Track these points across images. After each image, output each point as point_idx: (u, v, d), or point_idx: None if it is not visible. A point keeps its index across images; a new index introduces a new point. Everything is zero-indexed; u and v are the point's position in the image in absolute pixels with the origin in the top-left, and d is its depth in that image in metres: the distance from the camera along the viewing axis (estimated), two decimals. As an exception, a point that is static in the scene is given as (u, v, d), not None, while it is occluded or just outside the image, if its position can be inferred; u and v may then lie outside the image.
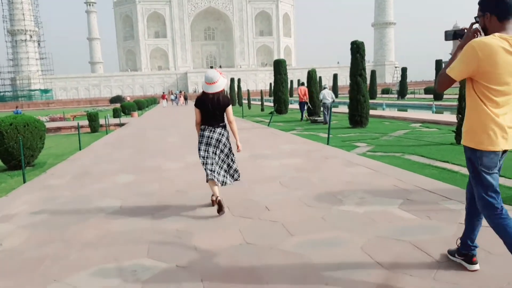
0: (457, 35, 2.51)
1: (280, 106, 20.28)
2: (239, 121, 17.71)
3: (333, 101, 14.61)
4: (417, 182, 5.01)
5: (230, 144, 4.44)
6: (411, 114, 17.34)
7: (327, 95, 14.64)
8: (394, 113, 18.44)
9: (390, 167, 6.07)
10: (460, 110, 8.09)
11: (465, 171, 5.90)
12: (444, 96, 29.36)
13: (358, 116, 12.47)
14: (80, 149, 11.13)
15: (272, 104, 34.29)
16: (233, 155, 4.48)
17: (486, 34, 2.34)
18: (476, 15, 2.40)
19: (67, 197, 5.46)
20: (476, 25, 2.41)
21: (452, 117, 13.91)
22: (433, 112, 18.79)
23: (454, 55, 2.41)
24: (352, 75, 12.61)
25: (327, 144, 9.09)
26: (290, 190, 5.04)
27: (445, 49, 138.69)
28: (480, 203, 2.42)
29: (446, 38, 2.59)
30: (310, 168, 6.37)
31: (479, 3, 2.38)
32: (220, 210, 4.15)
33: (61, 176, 7.11)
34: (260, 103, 37.80)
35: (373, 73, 39.21)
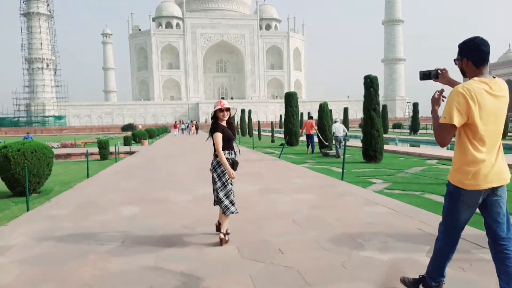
0: (432, 75, 2.68)
1: (291, 138, 20.06)
2: (249, 152, 17.48)
3: (346, 134, 14.56)
4: (442, 225, 4.62)
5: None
6: (426, 150, 16.94)
7: (339, 128, 14.58)
8: (409, 148, 18.07)
9: (412, 207, 5.69)
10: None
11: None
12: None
13: (372, 151, 12.15)
14: (87, 177, 10.93)
15: (282, 136, 34.20)
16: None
17: (464, 77, 2.58)
18: (455, 57, 2.59)
19: (68, 229, 5.17)
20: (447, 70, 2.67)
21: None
22: (447, 149, 18.37)
23: (432, 111, 2.59)
24: (365, 109, 12.40)
25: (342, 179, 8.74)
26: (304, 230, 4.69)
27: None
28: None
29: (421, 78, 2.75)
30: (324, 205, 6.02)
31: (459, 47, 2.57)
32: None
33: (65, 205, 6.85)
34: (270, 134, 37.78)
35: (384, 107, 39.11)
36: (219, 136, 4.29)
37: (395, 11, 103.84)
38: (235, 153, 4.48)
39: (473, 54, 2.49)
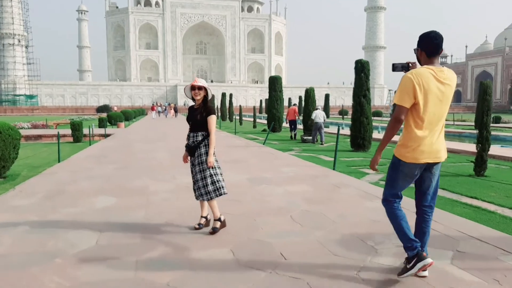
0: (404, 68, 3.02)
1: (275, 124, 19.52)
2: (232, 138, 16.86)
3: (324, 120, 15.00)
4: (458, 226, 4.19)
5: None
6: None
7: (319, 115, 14.76)
8: (395, 137, 17.76)
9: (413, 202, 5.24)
10: (481, 139, 7.39)
11: (501, 211, 5.13)
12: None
13: (360, 139, 11.74)
14: (58, 161, 10.09)
15: (264, 121, 33.63)
16: None
17: (419, 64, 2.95)
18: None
19: (33, 224, 4.47)
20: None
21: (463, 145, 13.30)
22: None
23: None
24: (355, 96, 11.93)
25: (334, 169, 8.27)
26: (306, 229, 4.16)
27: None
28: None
29: (394, 70, 3.07)
30: (321, 198, 5.52)
31: (418, 38, 2.92)
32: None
33: (31, 194, 6.11)
34: (252, 119, 37.15)
35: (366, 95, 38.94)
36: (213, 119, 4.12)
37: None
38: (194, 137, 4.19)
39: (427, 46, 2.85)
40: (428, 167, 2.92)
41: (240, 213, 4.84)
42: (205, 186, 4.09)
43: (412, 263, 2.87)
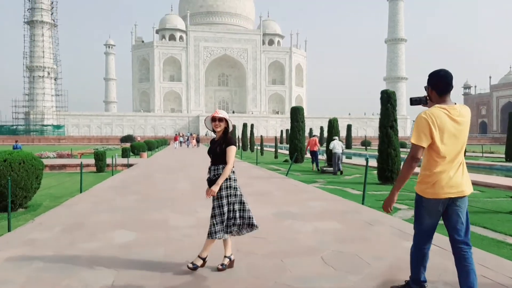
0: (422, 101, 3.08)
1: (297, 155, 19.19)
2: (254, 169, 16.59)
3: (343, 150, 15.08)
4: (510, 272, 3.72)
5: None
6: None
7: (337, 145, 14.97)
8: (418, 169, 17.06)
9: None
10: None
11: (558, 254, 4.60)
12: (466, 154, 28.06)
13: (388, 171, 11.27)
14: (80, 192, 10.02)
15: (285, 152, 33.32)
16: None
17: (431, 101, 2.99)
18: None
19: (48, 260, 4.25)
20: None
21: (497, 179, 12.57)
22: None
23: None
24: (382, 127, 11.56)
25: (362, 203, 7.83)
26: (339, 273, 3.77)
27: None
28: None
29: (412, 104, 3.12)
30: (354, 237, 5.11)
31: (428, 77, 2.97)
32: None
33: (50, 227, 5.93)
34: (273, 150, 36.93)
35: (389, 125, 38.30)
36: (232, 150, 3.95)
37: (398, 30, 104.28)
38: (215, 170, 4.00)
39: (437, 85, 2.91)
40: (453, 202, 2.96)
41: (266, 252, 4.49)
42: (250, 218, 4.09)
43: None
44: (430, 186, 2.90)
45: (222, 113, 3.98)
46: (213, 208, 3.95)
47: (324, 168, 15.62)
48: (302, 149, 20.09)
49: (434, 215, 2.98)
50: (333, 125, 15.77)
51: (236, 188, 4.00)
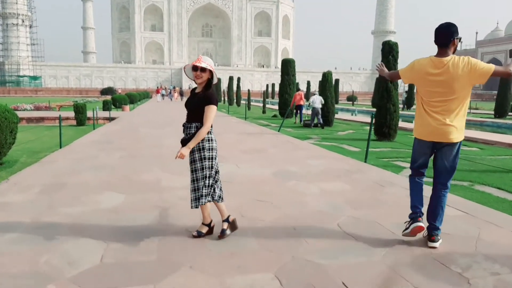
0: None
1: (289, 110, 18.54)
2: (244, 124, 15.98)
3: (322, 105, 15.32)
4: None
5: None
6: None
7: (317, 100, 15.13)
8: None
9: (484, 208, 4.38)
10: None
11: None
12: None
13: (386, 127, 10.83)
14: (60, 147, 9.30)
15: (272, 107, 32.64)
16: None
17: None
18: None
19: (24, 230, 3.67)
20: None
21: (494, 136, 12.25)
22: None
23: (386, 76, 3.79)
24: (381, 81, 10.97)
25: (365, 161, 7.40)
26: (363, 245, 3.31)
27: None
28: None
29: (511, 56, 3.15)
30: (367, 201, 4.66)
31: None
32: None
33: (26, 187, 5.30)
34: (260, 105, 36.18)
35: (377, 80, 37.86)
36: (212, 110, 3.31)
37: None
38: (188, 128, 3.39)
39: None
40: (439, 147, 3.20)
41: (273, 218, 4.00)
42: (194, 191, 3.40)
43: (408, 223, 3.36)
44: (418, 127, 3.28)
45: (205, 61, 3.28)
46: (191, 172, 3.43)
47: (307, 122, 15.87)
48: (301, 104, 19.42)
49: (422, 155, 3.33)
50: (327, 79, 15.06)
51: (212, 149, 3.39)
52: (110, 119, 18.11)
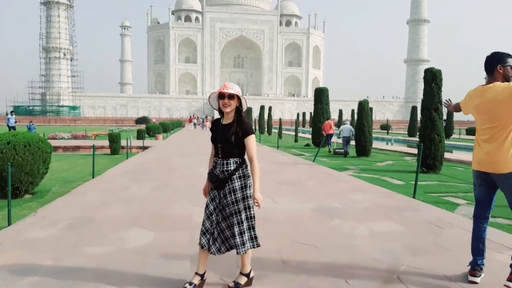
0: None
1: (325, 139, 18.01)
2: (276, 153, 15.55)
3: (352, 134, 15.57)
4: None
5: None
6: None
7: (345, 129, 15.62)
8: (461, 155, 15.60)
9: None
10: None
11: None
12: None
13: (431, 159, 10.10)
14: (92, 177, 9.18)
15: (304, 136, 32.16)
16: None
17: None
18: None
19: (45, 272, 3.33)
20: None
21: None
22: None
23: (452, 110, 3.81)
24: (425, 109, 10.34)
25: (413, 197, 6.74)
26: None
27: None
28: None
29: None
30: (427, 246, 4.04)
31: None
32: None
33: (53, 222, 5.04)
34: (291, 133, 35.79)
35: (414, 108, 36.92)
36: (253, 140, 2.98)
37: (421, 10, 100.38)
38: (224, 165, 2.96)
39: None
40: (496, 179, 3.07)
41: (320, 266, 3.48)
42: (240, 235, 2.90)
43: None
44: (473, 157, 3.23)
45: (233, 88, 2.93)
46: (228, 216, 2.99)
47: (337, 150, 16.25)
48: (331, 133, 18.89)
49: (477, 187, 3.23)
50: (363, 107, 14.52)
51: (251, 187, 3.00)
52: (144, 148, 18.19)
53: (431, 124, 10.17)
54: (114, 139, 16.45)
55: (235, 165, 2.93)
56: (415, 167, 11.42)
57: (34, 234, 4.53)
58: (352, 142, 16.65)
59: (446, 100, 3.87)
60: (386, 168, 11.69)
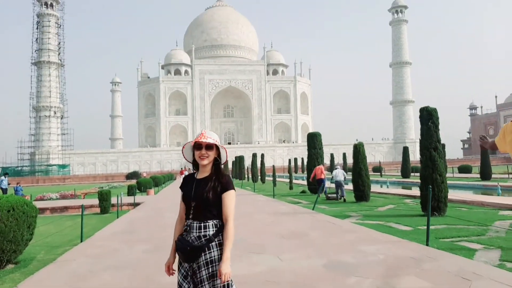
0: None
1: (323, 186, 17.62)
2: (273, 202, 15.02)
3: (345, 178, 15.58)
4: None
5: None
6: (485, 198, 14.18)
7: (338, 173, 15.46)
8: (467, 196, 15.20)
9: None
10: None
11: None
12: (492, 176, 26.31)
13: (435, 201, 9.71)
14: (81, 241, 8.56)
15: (298, 182, 31.72)
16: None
17: None
18: None
19: None
20: None
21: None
22: (499, 195, 15.85)
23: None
24: (424, 149, 10.11)
25: (427, 244, 6.28)
26: None
27: (466, 129, 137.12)
28: None
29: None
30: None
31: None
32: None
33: (34, 298, 4.45)
34: (285, 180, 35.33)
35: (406, 149, 37.02)
36: (233, 197, 2.48)
37: (403, 53, 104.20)
38: (201, 228, 2.40)
39: None
40: None
41: None
42: None
43: None
44: None
45: (211, 136, 2.53)
46: None
47: (329, 195, 16.24)
48: (321, 178, 18.53)
49: None
50: (358, 150, 14.31)
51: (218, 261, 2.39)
52: (135, 204, 17.52)
53: (431, 164, 9.90)
54: (104, 197, 15.83)
55: (214, 229, 2.39)
56: (417, 210, 11.04)
57: (11, 316, 3.95)
58: (347, 186, 16.53)
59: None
60: (389, 213, 11.25)
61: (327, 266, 5.13)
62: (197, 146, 2.50)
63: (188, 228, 2.43)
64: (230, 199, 2.43)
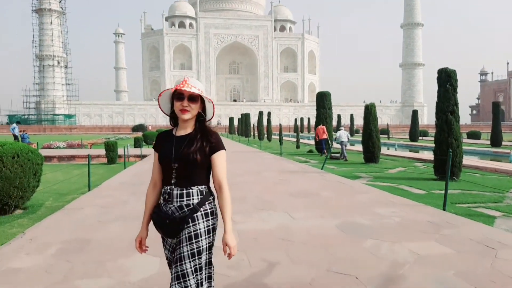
0: None
1: (330, 146, 17.42)
2: (281, 161, 14.88)
3: (348, 139, 15.95)
4: None
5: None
6: (504, 165, 13.75)
7: (343, 134, 15.92)
8: (473, 161, 14.89)
9: None
10: None
11: None
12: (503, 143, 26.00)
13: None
14: (89, 189, 8.50)
15: (305, 141, 31.56)
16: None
17: None
18: None
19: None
20: None
21: None
22: (511, 161, 15.55)
23: None
24: (440, 112, 9.73)
25: (443, 209, 6.11)
26: None
27: (475, 95, 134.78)
28: None
29: None
30: (489, 275, 3.39)
31: None
32: None
33: (43, 246, 4.36)
34: (291, 139, 35.21)
35: (415, 112, 36.49)
36: (224, 158, 2.09)
37: (415, 14, 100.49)
38: (183, 196, 2.02)
39: None
40: None
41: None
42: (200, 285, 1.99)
43: None
44: None
45: (195, 86, 2.04)
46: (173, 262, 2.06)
47: (333, 155, 16.23)
48: (330, 138, 18.32)
49: None
50: (370, 111, 13.92)
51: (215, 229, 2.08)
52: (142, 156, 17.48)
53: (447, 128, 9.56)
54: (110, 148, 15.74)
55: (199, 196, 2.02)
56: (429, 174, 10.85)
57: (19, 261, 3.86)
58: (356, 147, 16.45)
59: None
60: (399, 175, 11.07)
61: (341, 227, 4.98)
62: (178, 95, 2.03)
63: (167, 197, 2.05)
64: (223, 160, 2.06)
